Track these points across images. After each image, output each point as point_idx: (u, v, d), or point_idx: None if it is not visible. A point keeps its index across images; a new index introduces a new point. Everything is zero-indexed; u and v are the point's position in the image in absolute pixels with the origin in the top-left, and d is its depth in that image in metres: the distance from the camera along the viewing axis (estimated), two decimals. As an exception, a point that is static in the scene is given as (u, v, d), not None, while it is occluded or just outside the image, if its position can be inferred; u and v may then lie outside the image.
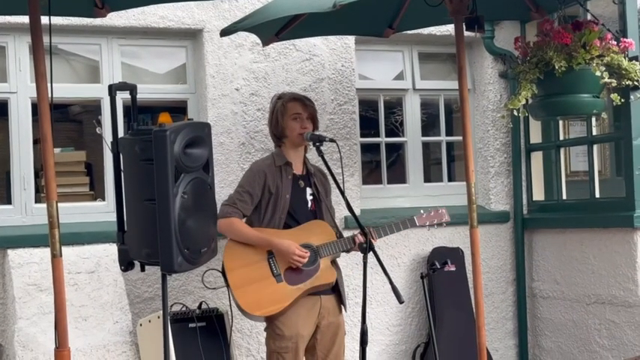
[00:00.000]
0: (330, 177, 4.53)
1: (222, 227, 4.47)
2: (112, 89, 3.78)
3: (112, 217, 4.00)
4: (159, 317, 4.45)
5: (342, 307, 4.67)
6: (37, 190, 5.18)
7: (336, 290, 4.62)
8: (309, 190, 4.67)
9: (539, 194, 6.26)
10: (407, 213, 4.96)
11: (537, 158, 6.28)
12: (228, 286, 4.46)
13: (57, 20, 4.36)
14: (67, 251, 3.92)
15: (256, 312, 4.40)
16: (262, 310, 4.39)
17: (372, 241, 4.46)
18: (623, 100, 5.05)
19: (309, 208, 4.65)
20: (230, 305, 4.53)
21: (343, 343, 4.67)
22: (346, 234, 4.69)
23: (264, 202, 4.54)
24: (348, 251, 4.63)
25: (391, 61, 6.18)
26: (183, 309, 4.79)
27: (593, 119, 5.63)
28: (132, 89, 3.84)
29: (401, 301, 4.18)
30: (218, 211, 4.49)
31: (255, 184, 4.52)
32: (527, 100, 5.12)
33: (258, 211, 4.56)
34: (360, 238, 4.46)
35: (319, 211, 4.68)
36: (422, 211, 4.87)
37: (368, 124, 6.43)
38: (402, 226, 4.76)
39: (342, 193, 4.37)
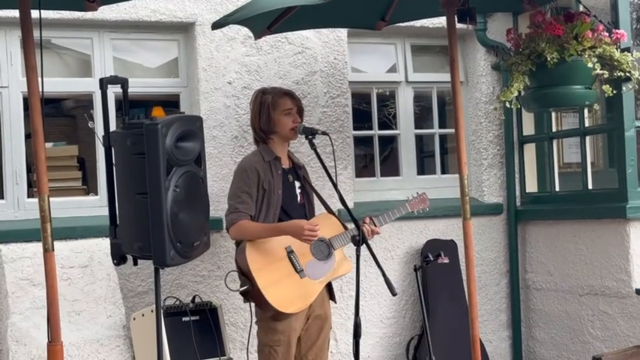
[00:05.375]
0: (323, 170, 4.53)
1: (235, 234, 4.46)
2: (103, 83, 3.76)
3: (105, 211, 3.99)
4: (152, 311, 4.45)
5: (332, 299, 4.69)
6: (30, 184, 5.17)
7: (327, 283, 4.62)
8: (297, 184, 4.66)
9: (532, 186, 6.27)
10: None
11: (530, 150, 6.28)
12: (252, 286, 4.34)
13: (48, 14, 4.37)
14: (59, 246, 3.92)
15: (288, 309, 4.33)
16: (293, 306, 4.35)
17: (377, 230, 4.57)
18: (615, 92, 5.05)
19: (299, 201, 4.65)
20: (250, 307, 4.49)
21: (328, 335, 4.68)
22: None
23: (258, 199, 4.50)
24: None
25: (384, 54, 6.18)
26: (177, 303, 4.79)
27: (586, 111, 5.63)
28: (123, 83, 3.82)
29: (394, 294, 4.20)
30: (224, 222, 4.50)
31: (252, 183, 4.47)
32: (519, 92, 5.13)
33: None
34: (367, 226, 4.51)
35: (308, 204, 4.69)
36: (409, 197, 4.95)
37: (361, 117, 6.43)
38: (397, 212, 4.84)
39: (335, 186, 4.38)
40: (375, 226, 4.61)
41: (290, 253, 4.44)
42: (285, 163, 4.67)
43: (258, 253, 4.41)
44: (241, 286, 4.40)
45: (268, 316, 4.41)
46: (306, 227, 4.35)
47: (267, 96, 4.63)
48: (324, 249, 4.51)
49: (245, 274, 4.39)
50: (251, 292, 4.37)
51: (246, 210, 4.44)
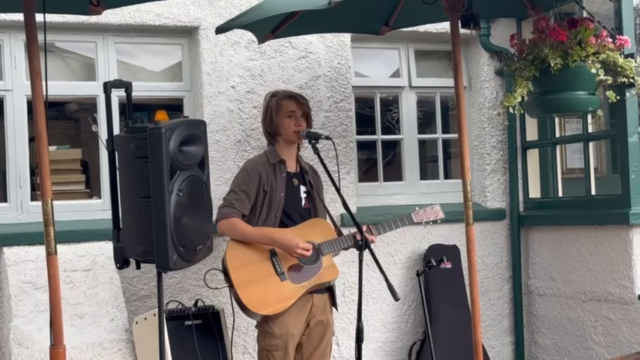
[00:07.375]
0: (326, 175, 4.53)
1: (224, 228, 4.47)
2: (108, 87, 3.78)
3: (108, 214, 4.00)
4: (155, 315, 4.44)
5: (334, 306, 4.68)
6: (33, 187, 5.17)
7: (328, 289, 4.63)
8: (302, 188, 4.66)
9: (535, 191, 6.27)
10: (403, 210, 4.97)
11: (533, 155, 6.28)
12: (231, 285, 4.40)
13: (52, 18, 4.38)
14: (62, 249, 3.92)
15: (262, 311, 4.35)
16: (268, 308, 4.36)
17: (372, 239, 4.46)
18: (618, 98, 5.05)
19: (303, 206, 4.65)
20: (232, 304, 4.49)
21: (330, 342, 4.67)
22: (343, 231, 4.69)
23: (259, 201, 4.52)
24: (347, 249, 4.63)
25: (387, 59, 6.18)
26: (179, 307, 4.79)
27: (589, 116, 5.64)
28: (127, 87, 3.84)
29: (397, 299, 4.18)
30: (216, 214, 4.48)
31: (251, 184, 4.50)
32: (522, 98, 5.12)
33: (254, 210, 4.53)
34: (359, 237, 4.47)
35: (313, 209, 4.69)
36: (417, 208, 4.88)
37: (364, 122, 6.43)
38: (400, 223, 4.77)
39: (338, 190, 4.37)
40: (372, 234, 4.55)
41: (273, 255, 4.45)
42: (292, 167, 4.67)
43: (239, 252, 4.44)
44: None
45: (257, 319, 4.44)
46: (300, 246, 4.39)
47: (274, 98, 4.67)
48: (312, 254, 4.49)
49: (225, 272, 4.44)
50: (231, 292, 4.41)
51: (240, 208, 4.48)
